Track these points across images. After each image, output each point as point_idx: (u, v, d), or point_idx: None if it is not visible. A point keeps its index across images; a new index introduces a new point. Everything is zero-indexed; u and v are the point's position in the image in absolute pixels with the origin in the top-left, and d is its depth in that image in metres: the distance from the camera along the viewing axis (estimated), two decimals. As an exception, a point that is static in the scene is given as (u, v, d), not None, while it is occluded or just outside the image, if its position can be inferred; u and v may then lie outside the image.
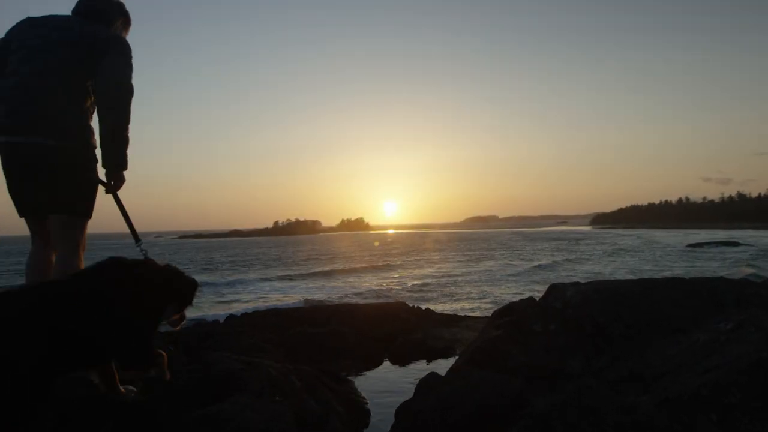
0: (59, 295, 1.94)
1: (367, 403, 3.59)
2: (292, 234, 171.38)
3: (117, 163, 2.62)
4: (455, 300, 17.63)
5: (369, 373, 4.41)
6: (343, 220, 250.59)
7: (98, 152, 2.71)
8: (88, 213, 2.75)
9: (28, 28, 2.68)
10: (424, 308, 6.92)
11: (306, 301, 17.69)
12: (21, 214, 2.75)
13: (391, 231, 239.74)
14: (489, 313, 11.95)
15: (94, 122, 2.69)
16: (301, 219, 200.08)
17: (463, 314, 8.16)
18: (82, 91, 2.66)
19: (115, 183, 2.66)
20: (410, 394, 3.78)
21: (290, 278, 29.29)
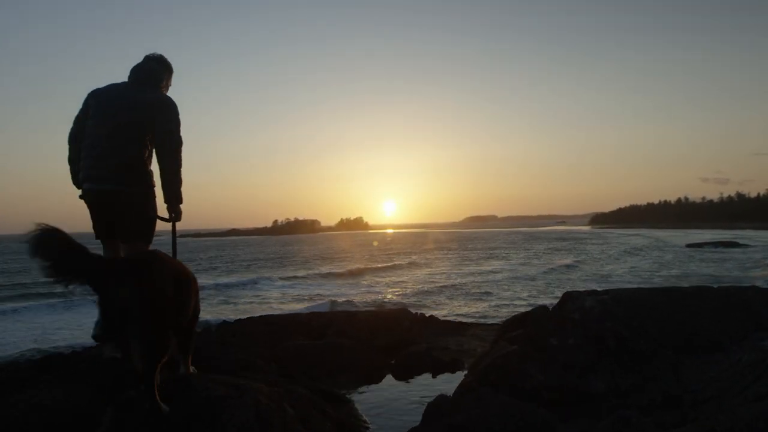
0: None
1: (368, 428, 3.24)
2: (291, 233, 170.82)
3: (174, 200, 3.30)
4: (459, 304, 17.17)
5: (370, 390, 4.05)
6: (342, 220, 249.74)
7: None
8: (150, 239, 3.39)
9: (97, 97, 3.31)
10: (428, 315, 6.56)
11: (332, 303, 17.34)
12: (98, 237, 3.37)
13: (390, 230, 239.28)
14: (497, 320, 11.51)
15: (154, 165, 3.34)
16: (300, 218, 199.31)
17: (468, 321, 7.80)
18: (143, 144, 3.26)
19: (175, 216, 3.35)
20: (416, 415, 3.42)
21: (298, 278, 28.86)
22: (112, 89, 3.35)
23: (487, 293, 19.64)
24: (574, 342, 3.82)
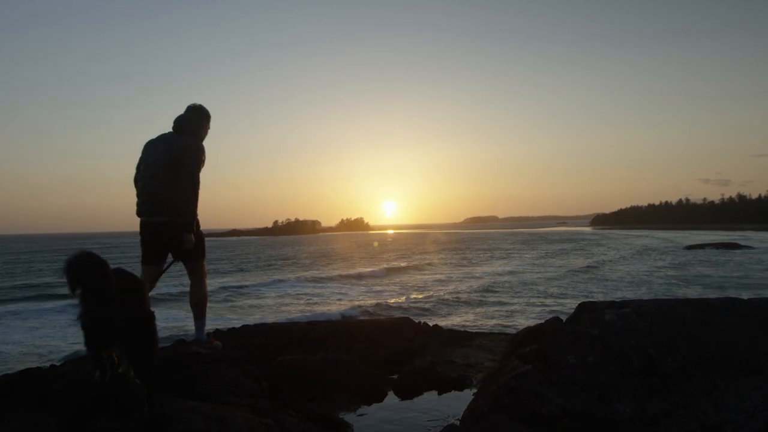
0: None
1: (369, 459, 2.91)
2: (291, 234, 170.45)
3: (188, 227, 3.98)
4: (464, 310, 16.73)
5: (371, 411, 3.72)
6: (342, 220, 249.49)
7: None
8: (203, 255, 4.26)
9: (149, 147, 4.13)
10: (432, 324, 6.23)
11: (357, 308, 17.00)
12: (145, 262, 4.14)
13: (390, 231, 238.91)
14: (503, 328, 11.13)
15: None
16: (301, 219, 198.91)
17: (474, 330, 7.46)
18: (178, 181, 3.96)
19: (187, 240, 4.03)
20: (421, 442, 3.12)
21: (307, 281, 28.44)
22: (159, 139, 4.15)
23: (493, 298, 19.22)
24: (594, 360, 3.49)
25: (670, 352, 3.33)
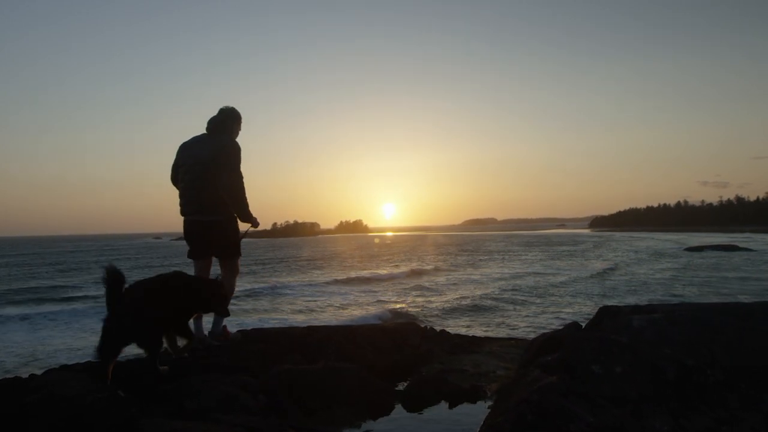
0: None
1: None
2: (290, 236, 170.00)
3: (244, 218, 4.36)
4: (468, 314, 16.38)
5: (377, 426, 3.41)
6: (341, 222, 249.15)
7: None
8: (237, 254, 4.49)
9: (184, 149, 4.34)
10: (438, 330, 5.91)
11: (390, 312, 16.58)
12: (191, 257, 4.51)
13: (389, 233, 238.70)
14: (511, 332, 10.78)
15: None
16: (300, 221, 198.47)
17: (481, 335, 7.14)
18: (218, 181, 4.13)
19: (253, 224, 4.46)
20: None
21: (315, 284, 27.99)
22: (193, 141, 4.36)
23: (498, 301, 18.84)
24: (623, 370, 3.17)
25: (708, 362, 3.02)
